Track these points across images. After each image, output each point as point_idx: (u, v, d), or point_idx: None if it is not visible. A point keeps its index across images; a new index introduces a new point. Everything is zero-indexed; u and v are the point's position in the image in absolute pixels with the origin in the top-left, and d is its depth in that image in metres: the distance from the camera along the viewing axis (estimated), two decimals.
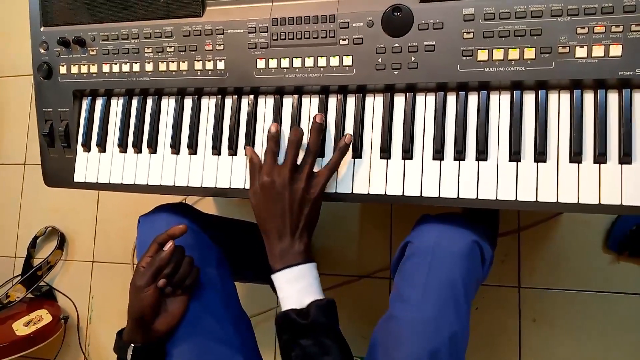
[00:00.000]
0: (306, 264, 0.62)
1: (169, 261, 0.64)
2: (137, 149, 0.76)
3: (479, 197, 0.61)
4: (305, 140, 0.67)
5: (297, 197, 0.63)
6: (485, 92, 0.62)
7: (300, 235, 0.63)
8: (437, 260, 0.60)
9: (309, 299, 0.60)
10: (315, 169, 0.65)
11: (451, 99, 0.64)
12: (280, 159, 0.66)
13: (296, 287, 0.61)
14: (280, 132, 0.68)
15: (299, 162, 0.65)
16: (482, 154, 0.62)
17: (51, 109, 0.79)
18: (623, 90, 0.58)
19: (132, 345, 0.64)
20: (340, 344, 0.60)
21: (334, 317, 0.61)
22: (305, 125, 0.69)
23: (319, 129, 0.66)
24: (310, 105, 0.69)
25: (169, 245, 0.64)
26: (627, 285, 1.05)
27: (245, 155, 0.70)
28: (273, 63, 0.68)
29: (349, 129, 0.67)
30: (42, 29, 0.78)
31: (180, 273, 0.65)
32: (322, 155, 0.68)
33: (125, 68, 0.75)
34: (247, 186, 0.70)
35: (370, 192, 0.65)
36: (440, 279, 0.59)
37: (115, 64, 0.75)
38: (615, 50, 0.57)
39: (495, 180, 0.61)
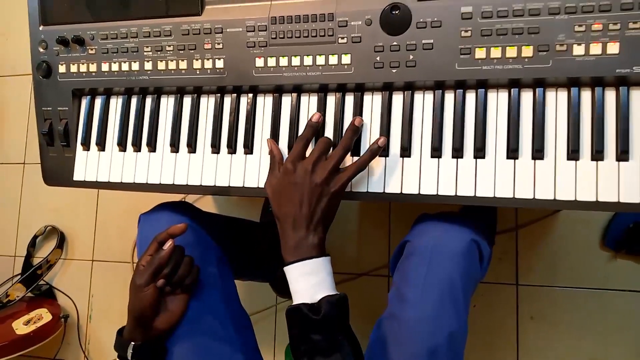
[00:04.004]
0: (320, 258, 0.61)
1: (168, 260, 0.64)
2: (137, 147, 0.76)
3: (477, 195, 0.61)
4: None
5: (315, 188, 0.61)
6: (483, 90, 0.62)
7: (315, 228, 0.62)
8: (436, 259, 0.60)
9: (321, 294, 0.59)
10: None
11: (449, 97, 0.64)
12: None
13: (309, 281, 0.60)
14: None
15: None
16: (480, 152, 0.62)
17: (50, 108, 0.79)
18: (620, 87, 0.58)
19: (132, 343, 0.64)
20: (351, 339, 0.59)
21: (346, 312, 0.60)
22: (303, 122, 0.69)
23: (356, 131, 0.65)
24: (309, 104, 0.69)
25: (168, 245, 0.64)
26: (624, 283, 1.06)
27: (245, 154, 0.71)
28: (272, 62, 0.68)
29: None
30: (41, 28, 0.78)
31: (179, 272, 0.65)
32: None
33: (125, 67, 0.75)
34: (246, 184, 0.70)
35: (369, 191, 0.65)
36: (439, 278, 0.59)
37: (115, 62, 0.75)
38: (613, 48, 0.57)
39: (493, 177, 0.61)
